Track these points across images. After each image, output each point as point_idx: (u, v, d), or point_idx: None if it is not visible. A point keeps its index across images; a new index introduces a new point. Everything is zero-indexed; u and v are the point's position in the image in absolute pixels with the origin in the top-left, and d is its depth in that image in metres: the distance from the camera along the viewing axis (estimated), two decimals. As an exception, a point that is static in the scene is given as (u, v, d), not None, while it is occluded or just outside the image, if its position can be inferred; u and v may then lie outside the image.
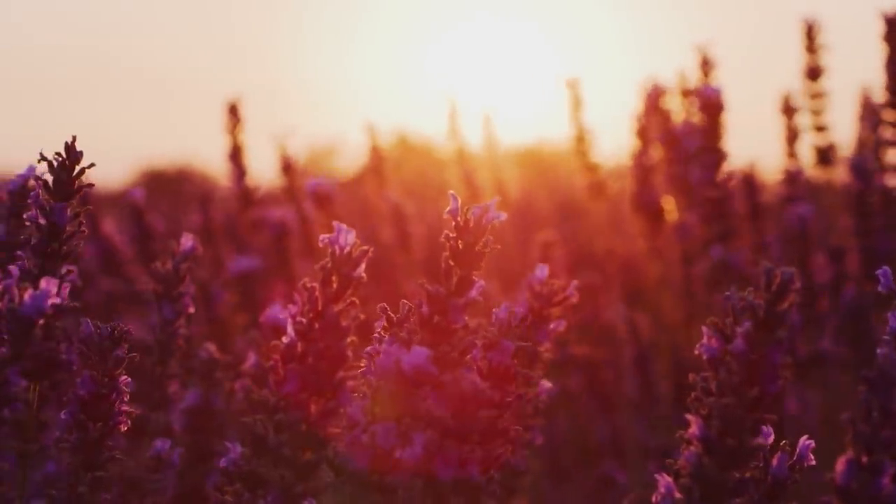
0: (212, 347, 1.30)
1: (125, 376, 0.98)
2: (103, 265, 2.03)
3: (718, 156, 1.92)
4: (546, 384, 0.99)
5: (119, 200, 2.26)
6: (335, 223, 0.86)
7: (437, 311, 0.89)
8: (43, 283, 0.90)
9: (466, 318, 0.89)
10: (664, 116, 2.24)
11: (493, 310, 0.91)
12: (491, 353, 0.90)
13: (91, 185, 0.98)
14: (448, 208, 0.89)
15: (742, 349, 0.78)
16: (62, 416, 0.98)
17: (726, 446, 0.80)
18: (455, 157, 2.80)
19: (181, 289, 1.16)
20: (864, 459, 0.80)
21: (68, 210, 0.98)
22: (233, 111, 2.27)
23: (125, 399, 0.98)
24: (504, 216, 0.89)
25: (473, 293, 0.89)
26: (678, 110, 2.26)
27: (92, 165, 0.98)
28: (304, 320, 0.86)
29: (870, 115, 2.01)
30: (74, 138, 0.98)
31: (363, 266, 0.86)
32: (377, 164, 2.49)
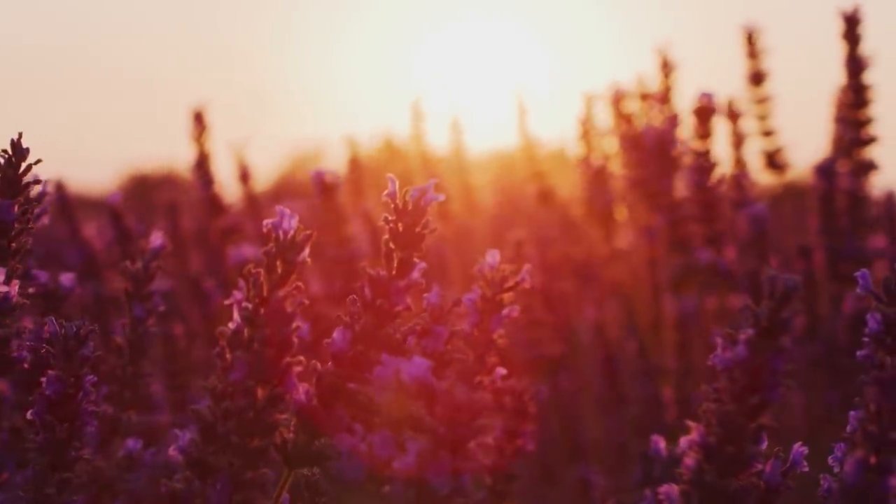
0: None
1: (91, 375, 0.92)
2: (84, 268, 1.93)
3: (710, 161, 1.87)
4: (502, 370, 0.90)
5: (104, 205, 2.15)
6: (278, 208, 0.82)
7: (380, 295, 0.84)
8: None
9: (409, 300, 0.85)
10: (626, 120, 2.18)
11: (424, 295, 0.86)
12: (425, 340, 0.85)
13: (38, 182, 0.95)
14: (385, 191, 0.85)
15: (744, 356, 0.73)
16: (28, 416, 0.92)
17: (726, 453, 0.75)
18: (420, 161, 2.72)
19: (151, 287, 1.11)
20: (873, 460, 0.76)
21: (15, 207, 0.94)
22: (198, 119, 2.10)
23: (92, 399, 0.92)
24: (442, 198, 0.85)
25: (415, 275, 0.85)
26: (639, 114, 2.19)
27: (38, 162, 0.94)
28: (249, 306, 0.81)
29: (843, 115, 1.93)
30: (20, 135, 0.94)
31: (307, 251, 0.82)
32: (355, 174, 2.38)
